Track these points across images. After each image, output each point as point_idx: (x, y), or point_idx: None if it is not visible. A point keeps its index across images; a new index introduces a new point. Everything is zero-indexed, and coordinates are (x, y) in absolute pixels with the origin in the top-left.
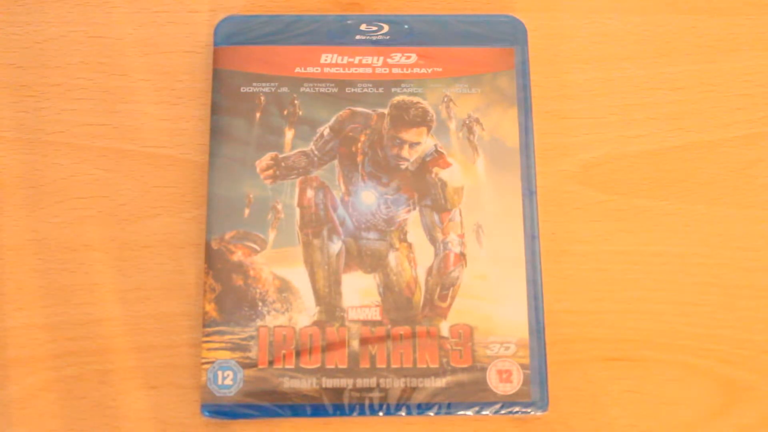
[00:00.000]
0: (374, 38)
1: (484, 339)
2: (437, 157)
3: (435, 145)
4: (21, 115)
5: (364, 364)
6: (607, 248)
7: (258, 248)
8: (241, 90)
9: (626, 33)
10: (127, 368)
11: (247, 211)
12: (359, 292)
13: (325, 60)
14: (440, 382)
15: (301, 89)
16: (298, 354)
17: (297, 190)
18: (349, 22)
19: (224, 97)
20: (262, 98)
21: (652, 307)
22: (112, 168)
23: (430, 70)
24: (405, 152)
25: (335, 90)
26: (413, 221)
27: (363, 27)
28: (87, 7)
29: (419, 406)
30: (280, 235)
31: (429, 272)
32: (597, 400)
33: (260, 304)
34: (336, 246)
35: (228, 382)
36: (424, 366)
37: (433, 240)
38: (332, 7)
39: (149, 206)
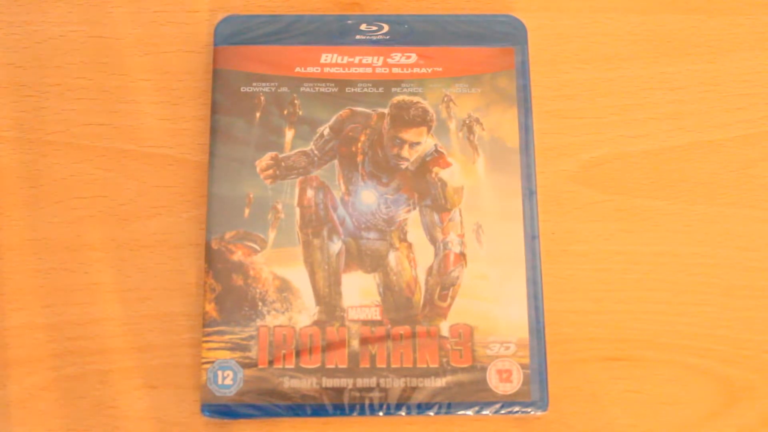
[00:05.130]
0: (374, 38)
1: (484, 339)
2: (437, 157)
3: (435, 145)
4: (21, 115)
5: (364, 364)
6: (607, 248)
7: (258, 248)
8: (241, 90)
9: (626, 33)
10: (127, 368)
11: (247, 211)
12: (359, 292)
13: (325, 60)
14: (440, 382)
15: (301, 89)
16: (298, 354)
17: (297, 189)
18: (349, 22)
19: (224, 96)
20: (262, 98)
21: (652, 307)
22: (112, 168)
23: (430, 70)
24: (405, 152)
25: (335, 90)
26: (413, 221)
27: (363, 27)
28: (87, 7)
29: (419, 406)
30: (280, 235)
31: (429, 272)
32: (597, 400)
33: (260, 303)
34: (336, 246)
35: (228, 381)
36: (424, 366)
37: (433, 240)
38: (332, 7)
39: (149, 206)
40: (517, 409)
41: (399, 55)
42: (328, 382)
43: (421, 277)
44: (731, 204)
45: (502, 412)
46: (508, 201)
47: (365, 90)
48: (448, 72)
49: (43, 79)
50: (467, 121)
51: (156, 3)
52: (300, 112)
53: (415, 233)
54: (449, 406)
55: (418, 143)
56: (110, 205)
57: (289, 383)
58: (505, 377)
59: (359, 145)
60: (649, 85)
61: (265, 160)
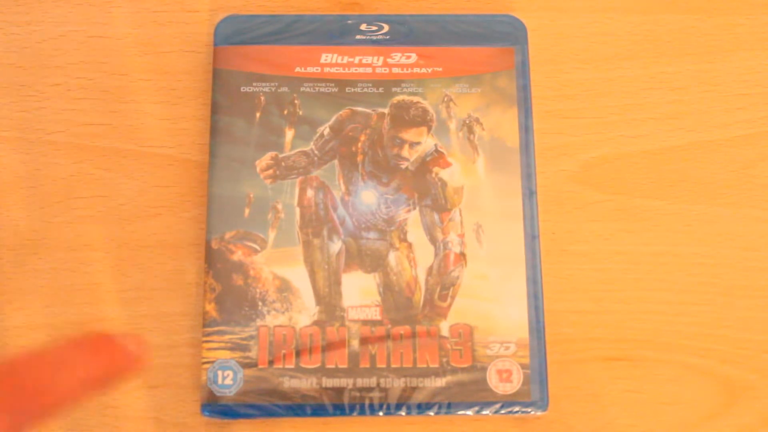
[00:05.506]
0: (374, 38)
1: (484, 339)
2: (437, 157)
3: (435, 145)
4: (21, 115)
5: (364, 364)
6: (607, 248)
7: (258, 248)
8: (241, 90)
9: (626, 33)
10: None
11: (247, 211)
12: (359, 292)
13: (325, 60)
14: (440, 382)
15: (301, 89)
16: (298, 354)
17: (297, 189)
18: (349, 21)
19: (224, 96)
20: (262, 98)
21: (652, 307)
22: (112, 168)
23: (430, 70)
24: (405, 152)
25: (335, 90)
26: (413, 221)
27: (363, 27)
28: (87, 7)
29: (419, 405)
30: (280, 235)
31: (429, 272)
32: (597, 400)
33: (260, 303)
34: (336, 246)
35: (228, 381)
36: (424, 366)
37: (433, 240)
38: (332, 7)
39: (149, 206)
40: (517, 409)
41: (399, 55)
42: (328, 382)
43: (421, 277)
44: (731, 204)
45: (502, 412)
46: (508, 201)
47: (365, 90)
48: (448, 72)
49: (43, 79)
50: (467, 121)
51: (156, 3)
52: (300, 112)
53: (415, 233)
54: (449, 406)
55: (418, 143)
56: (110, 205)
57: (289, 383)
58: (505, 377)
59: (359, 145)
60: (649, 85)
61: (265, 160)
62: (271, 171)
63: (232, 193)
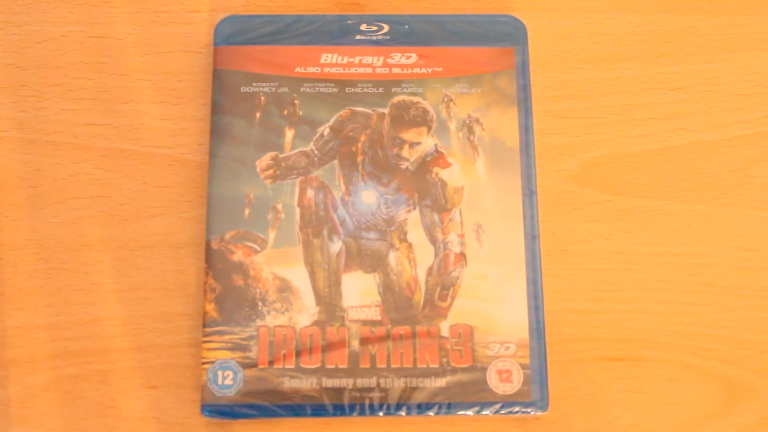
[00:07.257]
0: (374, 38)
1: (484, 339)
2: (437, 157)
3: (435, 145)
4: (21, 115)
5: (364, 364)
6: (607, 248)
7: (258, 248)
8: (241, 90)
9: (626, 33)
10: (127, 368)
11: (247, 211)
12: (359, 292)
13: (326, 60)
14: (440, 382)
15: (301, 89)
16: (298, 354)
17: (297, 189)
18: (349, 22)
19: (224, 97)
20: (262, 98)
21: (652, 307)
22: (112, 168)
23: (430, 70)
24: (405, 152)
25: (335, 90)
26: (413, 221)
27: (363, 27)
28: (87, 7)
29: (419, 406)
30: (280, 235)
31: (429, 272)
32: (597, 400)
33: (260, 304)
34: (336, 246)
35: (228, 382)
36: (424, 366)
37: (433, 240)
38: (332, 7)
39: (149, 206)
40: (517, 409)
41: (399, 55)
42: (328, 382)
43: (421, 277)
44: (731, 204)
45: (502, 412)
46: (508, 201)
47: (365, 90)
48: (448, 72)
49: (43, 79)
50: (467, 121)
51: (156, 3)
52: (300, 112)
53: (415, 233)
54: (449, 406)
55: (418, 143)
56: (110, 205)
57: (289, 383)
58: (505, 377)
59: (359, 145)
60: (649, 85)
61: (266, 160)
62: (271, 171)
63: (232, 193)
